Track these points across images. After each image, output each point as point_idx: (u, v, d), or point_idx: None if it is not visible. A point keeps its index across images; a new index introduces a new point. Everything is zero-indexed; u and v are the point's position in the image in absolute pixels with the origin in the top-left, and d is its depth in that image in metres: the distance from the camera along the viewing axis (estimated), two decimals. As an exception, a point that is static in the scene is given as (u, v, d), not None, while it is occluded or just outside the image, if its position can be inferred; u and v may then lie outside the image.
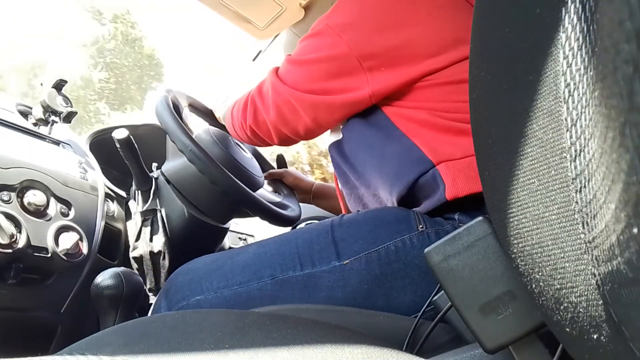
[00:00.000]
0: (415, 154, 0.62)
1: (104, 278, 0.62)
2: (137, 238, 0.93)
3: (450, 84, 0.64)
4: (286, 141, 0.80)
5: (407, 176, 0.62)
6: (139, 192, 0.95)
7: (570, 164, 0.19)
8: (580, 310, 0.20)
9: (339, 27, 0.66)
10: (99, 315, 0.57)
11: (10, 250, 0.67)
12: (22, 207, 0.72)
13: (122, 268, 0.64)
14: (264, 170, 1.14)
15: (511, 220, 0.26)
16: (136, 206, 0.95)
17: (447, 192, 0.58)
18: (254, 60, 1.41)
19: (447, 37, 0.65)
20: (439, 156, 0.60)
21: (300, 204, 1.14)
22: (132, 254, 0.93)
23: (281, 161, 1.25)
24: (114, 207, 0.95)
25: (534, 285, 0.25)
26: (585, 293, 0.20)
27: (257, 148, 1.22)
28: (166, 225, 0.94)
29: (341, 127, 0.75)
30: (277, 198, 1.08)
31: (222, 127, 1.09)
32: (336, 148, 0.77)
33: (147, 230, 0.92)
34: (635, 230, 0.15)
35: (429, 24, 0.65)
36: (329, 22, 0.68)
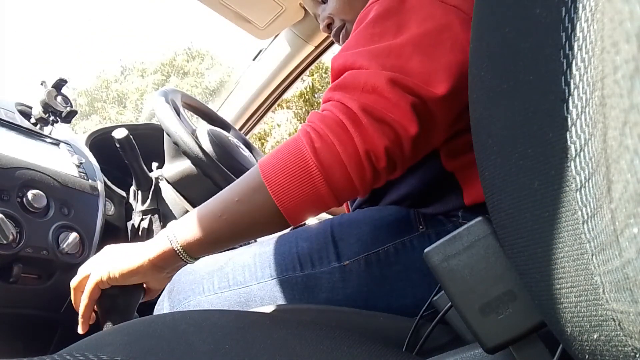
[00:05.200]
0: (431, 159, 0.59)
1: None
2: (134, 238, 0.93)
3: None
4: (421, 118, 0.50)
5: (419, 178, 0.60)
6: (139, 191, 0.95)
7: (571, 163, 0.19)
8: (580, 310, 0.20)
9: None
10: (99, 315, 0.57)
11: (10, 251, 0.67)
12: (22, 207, 0.72)
13: None
14: None
15: (511, 220, 0.26)
16: (136, 206, 0.95)
17: (466, 197, 0.56)
18: (254, 60, 1.42)
19: None
20: (456, 164, 0.58)
21: None
22: None
23: None
24: (114, 207, 0.95)
25: (534, 285, 0.25)
26: (585, 293, 0.20)
27: (256, 147, 1.22)
28: (164, 225, 0.94)
29: None
30: None
31: (220, 125, 1.09)
32: None
33: (144, 230, 0.92)
34: (635, 230, 0.15)
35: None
36: None
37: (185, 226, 0.52)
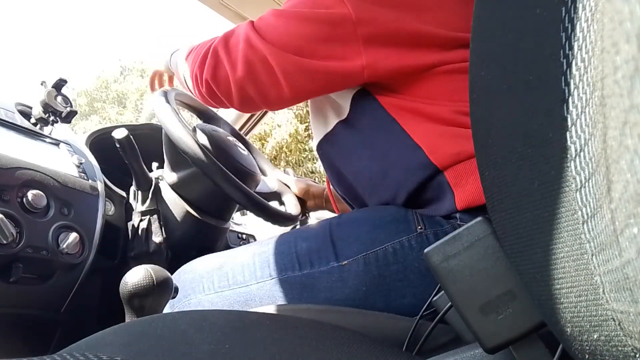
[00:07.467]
0: (418, 158, 0.59)
1: (133, 276, 0.60)
2: (134, 238, 0.93)
3: (464, 73, 0.58)
4: (248, 105, 0.66)
5: (411, 183, 0.60)
6: (139, 192, 0.95)
7: (571, 163, 0.19)
8: (580, 310, 0.20)
9: None
10: (127, 314, 0.57)
11: (10, 251, 0.67)
12: (22, 207, 0.72)
13: (151, 265, 0.63)
14: (260, 168, 1.14)
15: (511, 220, 0.26)
16: (136, 206, 0.96)
17: (458, 201, 0.56)
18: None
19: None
20: (444, 159, 0.57)
21: (316, 210, 1.13)
22: (130, 254, 0.93)
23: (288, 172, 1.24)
24: (114, 207, 0.95)
25: (534, 285, 0.25)
26: (585, 293, 0.20)
27: (254, 145, 1.22)
28: (164, 225, 0.94)
29: (335, 121, 0.69)
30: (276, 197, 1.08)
31: (219, 125, 1.09)
32: (329, 144, 0.71)
33: (144, 230, 0.93)
34: (635, 230, 0.15)
35: (450, 14, 0.60)
36: None
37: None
